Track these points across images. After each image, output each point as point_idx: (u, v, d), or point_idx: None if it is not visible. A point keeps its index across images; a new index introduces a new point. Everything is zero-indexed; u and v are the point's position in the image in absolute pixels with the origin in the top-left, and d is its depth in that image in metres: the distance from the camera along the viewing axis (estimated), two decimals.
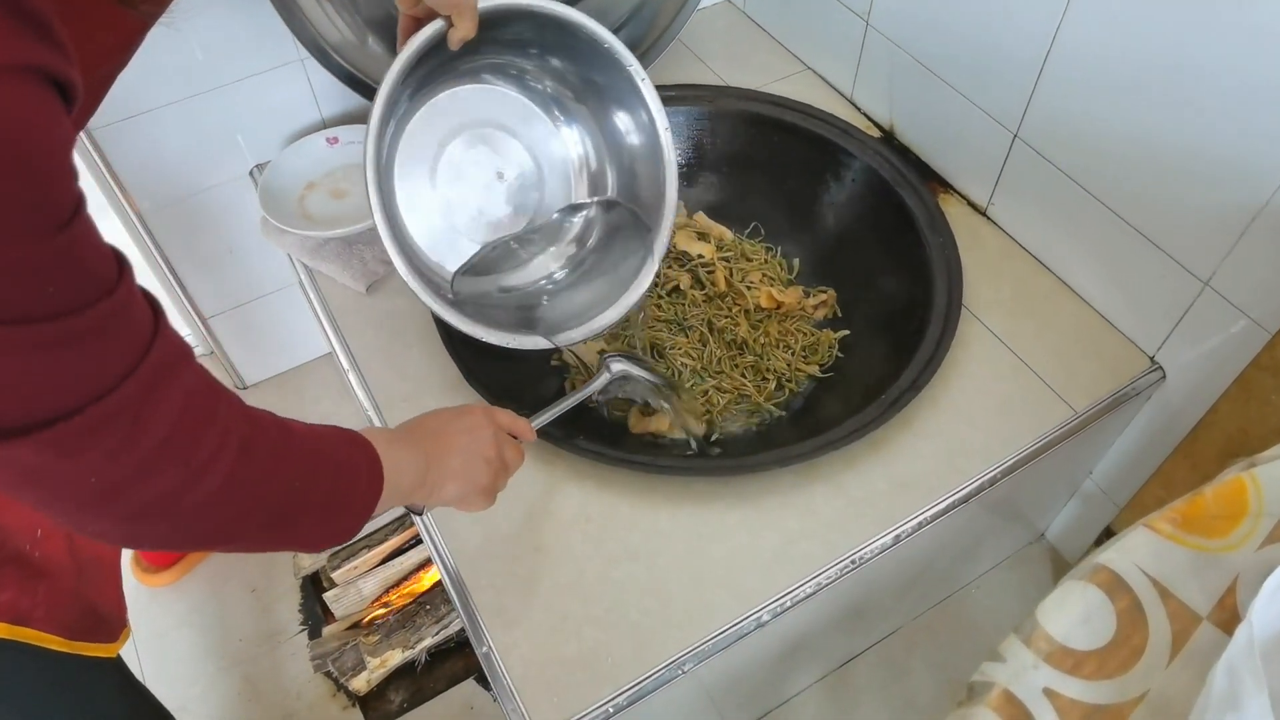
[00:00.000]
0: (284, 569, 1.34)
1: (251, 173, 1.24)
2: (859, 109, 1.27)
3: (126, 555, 1.34)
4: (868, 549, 0.86)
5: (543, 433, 0.88)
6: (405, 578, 1.27)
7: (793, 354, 1.05)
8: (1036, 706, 0.59)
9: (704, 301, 1.09)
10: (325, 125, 1.26)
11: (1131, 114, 0.88)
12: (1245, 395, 0.90)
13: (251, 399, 1.51)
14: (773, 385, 1.02)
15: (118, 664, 0.86)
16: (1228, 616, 0.57)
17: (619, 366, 0.92)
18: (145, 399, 0.41)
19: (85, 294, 0.38)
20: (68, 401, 0.38)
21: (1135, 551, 0.57)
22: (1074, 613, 0.57)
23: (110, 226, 1.24)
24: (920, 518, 0.88)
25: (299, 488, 0.52)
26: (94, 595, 0.79)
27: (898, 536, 0.87)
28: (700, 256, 1.13)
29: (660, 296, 1.09)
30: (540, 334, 0.89)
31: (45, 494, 0.42)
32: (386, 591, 1.25)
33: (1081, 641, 0.58)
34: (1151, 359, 0.99)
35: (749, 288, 1.10)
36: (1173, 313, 0.94)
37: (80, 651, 0.75)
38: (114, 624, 0.81)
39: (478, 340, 0.86)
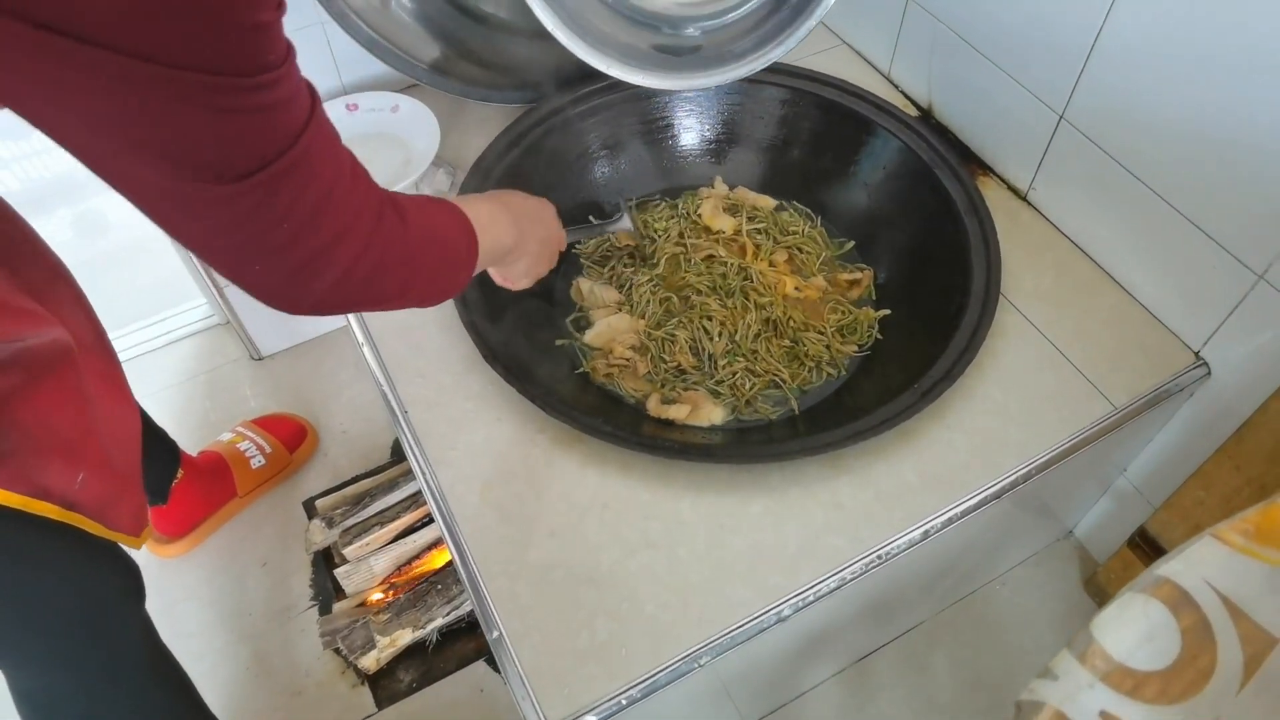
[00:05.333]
0: (295, 543, 1.33)
1: None
2: (896, 86, 1.23)
3: None
4: (895, 544, 0.83)
5: (561, 415, 0.85)
6: (417, 556, 1.25)
7: (828, 336, 1.01)
8: None
9: (736, 273, 1.05)
10: (345, 91, 1.22)
11: (1190, 94, 0.84)
12: None
13: (267, 371, 1.53)
14: (809, 371, 0.98)
15: (147, 624, 0.88)
16: None
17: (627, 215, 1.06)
18: (316, 151, 0.51)
19: (273, 61, 0.47)
20: (267, 151, 0.48)
21: (1203, 565, 0.52)
22: (1134, 629, 0.52)
23: (119, 201, 1.21)
24: (951, 513, 0.84)
25: (423, 248, 0.63)
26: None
27: (926, 532, 0.83)
28: (721, 232, 1.09)
29: (689, 261, 1.06)
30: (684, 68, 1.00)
31: (240, 238, 0.50)
32: (398, 569, 1.24)
33: (1143, 661, 0.53)
34: (1196, 354, 0.95)
35: (772, 267, 1.06)
36: (1222, 306, 0.90)
37: (108, 536, 0.75)
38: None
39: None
